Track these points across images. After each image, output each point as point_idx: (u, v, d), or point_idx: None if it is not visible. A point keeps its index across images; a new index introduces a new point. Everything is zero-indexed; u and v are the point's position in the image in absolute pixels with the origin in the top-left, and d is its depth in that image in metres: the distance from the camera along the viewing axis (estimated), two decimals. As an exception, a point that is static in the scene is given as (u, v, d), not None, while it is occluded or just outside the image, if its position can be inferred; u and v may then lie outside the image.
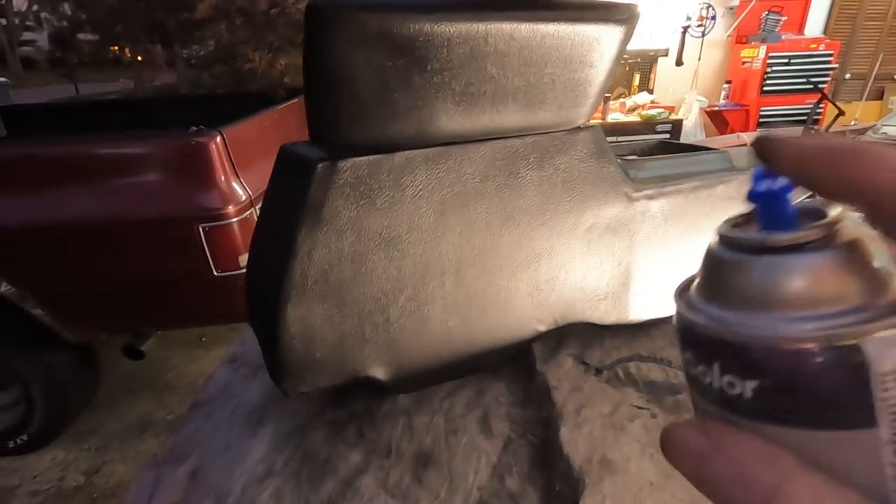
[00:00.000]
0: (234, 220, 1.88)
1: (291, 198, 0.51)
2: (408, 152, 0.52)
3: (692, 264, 0.73)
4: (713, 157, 0.79)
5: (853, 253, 0.16)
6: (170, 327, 2.45)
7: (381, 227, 0.52)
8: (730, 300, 0.18)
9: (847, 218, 0.17)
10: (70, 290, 1.98)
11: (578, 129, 0.63)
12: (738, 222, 0.20)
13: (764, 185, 0.18)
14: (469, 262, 0.59)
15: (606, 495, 0.51)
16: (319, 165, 0.48)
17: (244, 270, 2.20)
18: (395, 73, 0.47)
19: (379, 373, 0.58)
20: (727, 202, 0.77)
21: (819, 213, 0.18)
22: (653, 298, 0.75)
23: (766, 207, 0.18)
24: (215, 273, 1.93)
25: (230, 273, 1.95)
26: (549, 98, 0.56)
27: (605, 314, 0.72)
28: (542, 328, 0.68)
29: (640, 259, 0.71)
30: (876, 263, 0.16)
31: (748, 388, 0.16)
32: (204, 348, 3.16)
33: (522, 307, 0.65)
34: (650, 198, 0.69)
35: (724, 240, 0.19)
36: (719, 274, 0.19)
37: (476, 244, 0.59)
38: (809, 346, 0.15)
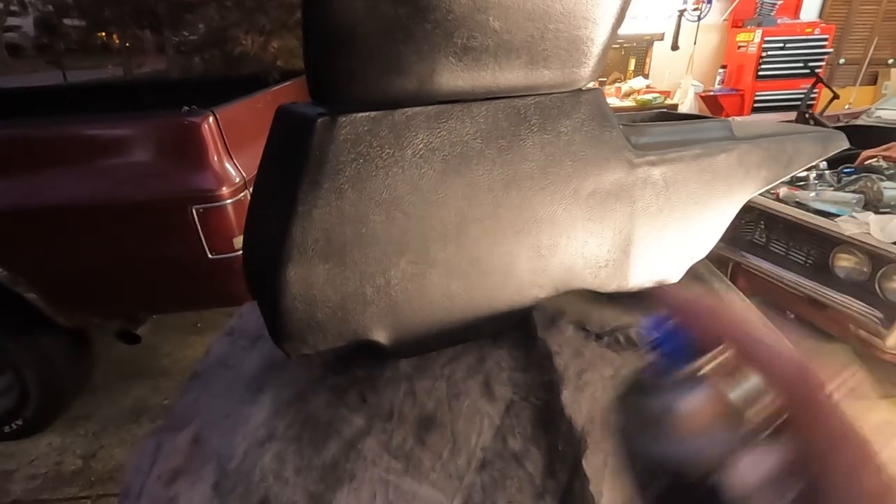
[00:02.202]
0: (229, 201, 1.86)
1: (291, 156, 0.50)
2: (409, 109, 0.51)
3: (692, 234, 0.73)
4: (714, 125, 0.79)
5: (711, 391, 0.21)
6: (164, 311, 2.44)
7: (382, 186, 0.52)
8: (633, 426, 0.23)
9: (719, 357, 0.22)
10: (62, 274, 1.95)
11: (580, 91, 0.62)
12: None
13: (657, 330, 0.23)
14: (471, 225, 0.59)
15: (608, 454, 0.51)
16: (319, 121, 0.47)
17: (239, 253, 2.19)
18: (396, 23, 0.46)
19: (381, 336, 0.58)
20: (728, 172, 0.76)
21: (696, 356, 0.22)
22: (654, 266, 0.75)
23: (660, 349, 0.23)
24: (210, 256, 1.91)
25: (225, 256, 1.94)
26: (551, 56, 0.55)
27: (606, 281, 0.72)
28: (543, 294, 0.67)
29: (641, 226, 0.71)
30: (732, 396, 0.21)
31: None
32: (199, 334, 3.14)
33: (523, 272, 0.64)
34: (652, 164, 0.69)
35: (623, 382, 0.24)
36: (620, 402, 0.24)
37: (478, 207, 0.58)
38: (679, 473, 0.20)
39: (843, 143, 0.94)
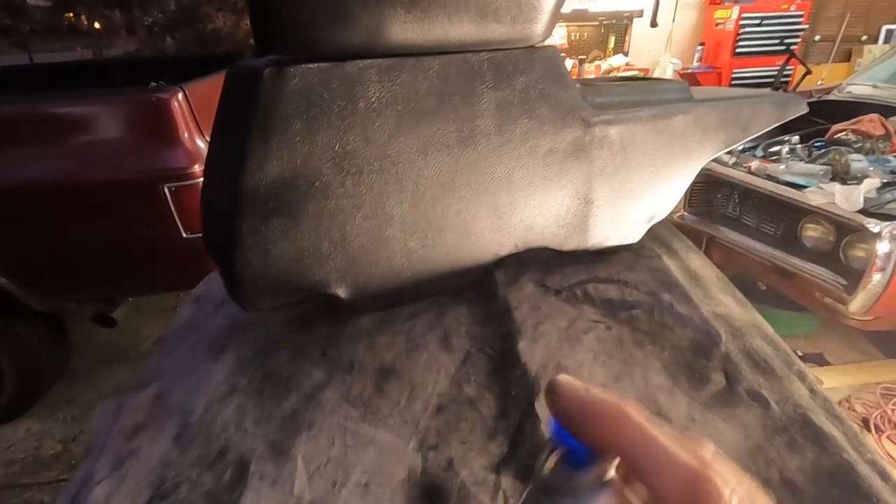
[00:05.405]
0: (201, 179, 1.84)
1: (240, 109, 0.51)
2: (359, 61, 0.51)
3: (650, 195, 0.75)
4: (672, 87, 0.80)
5: (614, 496, 0.21)
6: (140, 294, 2.41)
7: (334, 139, 0.52)
8: None
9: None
10: (33, 256, 1.92)
11: (535, 48, 0.62)
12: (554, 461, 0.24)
13: (563, 434, 0.22)
14: (427, 182, 0.59)
15: None
16: (266, 71, 0.47)
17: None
18: None
19: (340, 290, 0.59)
20: (685, 134, 0.78)
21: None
22: (612, 226, 0.77)
23: (567, 451, 0.23)
24: (184, 235, 1.90)
25: (199, 235, 1.92)
26: (501, 10, 0.55)
27: (565, 240, 0.73)
28: (503, 252, 0.69)
29: (598, 186, 0.72)
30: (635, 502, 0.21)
31: None
32: (171, 319, 3.13)
33: (482, 230, 0.66)
34: (608, 123, 0.70)
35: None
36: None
37: (434, 164, 0.59)
38: None
39: (801, 108, 0.95)
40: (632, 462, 0.20)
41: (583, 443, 0.22)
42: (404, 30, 0.51)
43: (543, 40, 0.62)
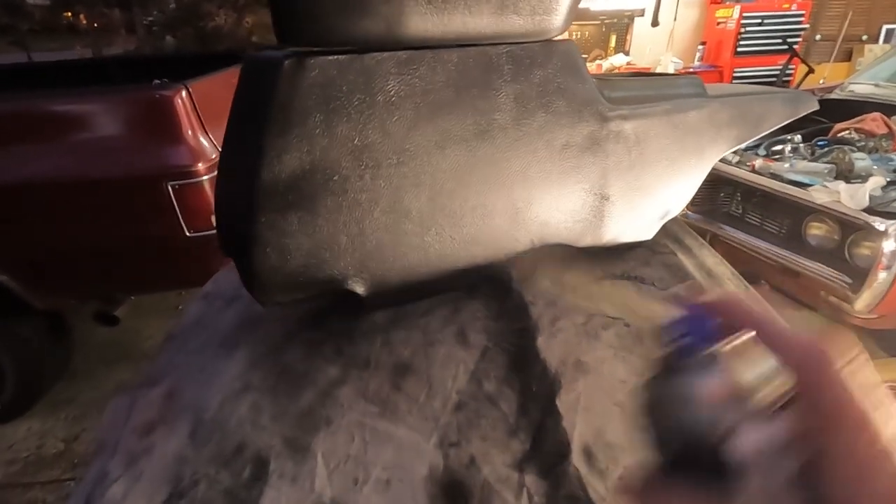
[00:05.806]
0: (205, 177, 1.83)
1: (258, 101, 0.50)
2: (378, 54, 0.50)
3: (664, 191, 0.74)
4: (686, 81, 0.79)
5: (726, 371, 0.25)
6: (142, 292, 2.40)
7: (353, 132, 0.51)
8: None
9: (736, 341, 0.26)
10: (34, 254, 1.91)
11: (553, 41, 0.61)
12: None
13: (684, 321, 0.27)
14: (444, 176, 0.59)
15: (581, 393, 0.52)
16: (286, 63, 0.47)
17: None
18: None
19: (356, 285, 0.58)
20: (698, 129, 0.77)
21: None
22: (627, 222, 0.76)
23: (686, 338, 0.26)
24: (187, 234, 1.89)
25: (203, 233, 1.91)
26: (521, 1, 0.55)
27: (581, 236, 0.72)
28: (519, 248, 0.68)
29: (613, 181, 0.72)
30: (746, 375, 0.25)
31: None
32: (180, 317, 3.11)
33: (499, 225, 0.65)
34: (624, 118, 0.69)
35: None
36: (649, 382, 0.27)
37: (451, 158, 0.58)
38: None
39: (812, 105, 0.95)
40: (760, 334, 0.25)
41: (707, 329, 0.26)
42: (424, 21, 0.51)
43: (561, 34, 0.62)
